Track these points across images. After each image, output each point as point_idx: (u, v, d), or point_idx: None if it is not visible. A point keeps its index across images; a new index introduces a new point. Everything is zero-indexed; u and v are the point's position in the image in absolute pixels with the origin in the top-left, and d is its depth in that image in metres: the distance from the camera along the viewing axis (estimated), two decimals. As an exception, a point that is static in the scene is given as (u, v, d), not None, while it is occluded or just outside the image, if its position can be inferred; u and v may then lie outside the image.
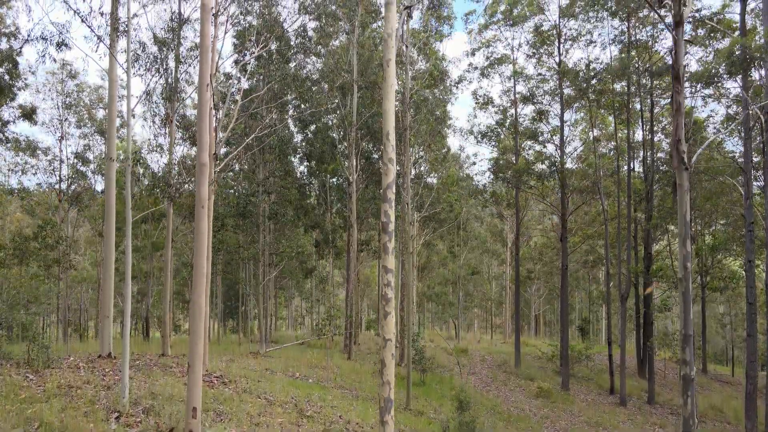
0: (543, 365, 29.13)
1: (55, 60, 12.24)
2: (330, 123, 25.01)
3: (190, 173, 17.05)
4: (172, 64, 14.89)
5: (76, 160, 29.46)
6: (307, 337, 32.12)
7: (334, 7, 20.60)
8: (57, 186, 24.69)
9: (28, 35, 12.74)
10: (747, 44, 12.87)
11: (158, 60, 11.57)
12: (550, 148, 24.52)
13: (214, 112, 15.61)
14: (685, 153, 6.90)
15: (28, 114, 19.92)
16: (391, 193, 5.74)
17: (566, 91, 24.49)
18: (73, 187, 28.30)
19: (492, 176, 26.99)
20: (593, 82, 20.12)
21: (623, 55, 22.35)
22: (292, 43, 16.64)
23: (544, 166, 22.76)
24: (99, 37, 9.46)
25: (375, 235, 30.76)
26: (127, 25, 9.67)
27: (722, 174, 19.75)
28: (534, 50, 24.40)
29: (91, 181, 31.76)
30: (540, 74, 25.97)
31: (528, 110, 26.26)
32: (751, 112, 14.69)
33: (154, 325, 52.02)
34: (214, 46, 10.71)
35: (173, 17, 13.20)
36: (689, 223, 7.07)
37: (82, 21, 9.15)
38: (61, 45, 12.97)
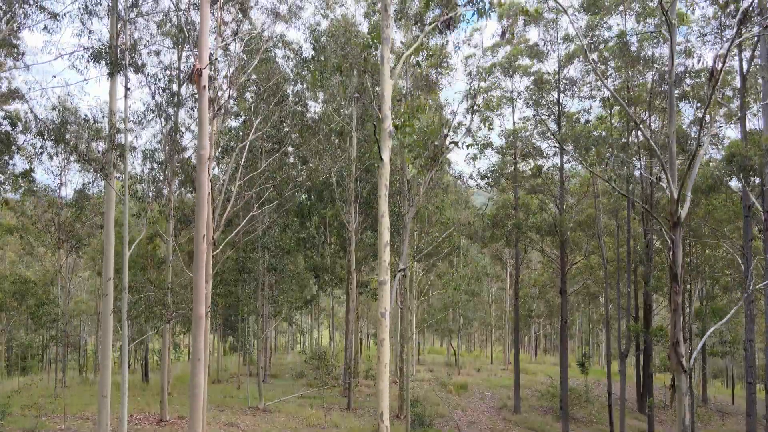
0: (543, 405, 29.12)
1: (51, 157, 12.15)
2: (329, 169, 24.94)
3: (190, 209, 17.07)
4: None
5: (76, 197, 29.32)
6: (308, 379, 32.15)
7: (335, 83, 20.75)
8: (56, 235, 24.64)
9: (24, 136, 12.64)
10: (747, 153, 12.93)
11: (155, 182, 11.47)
12: (549, 198, 24.46)
13: (211, 189, 15.58)
14: (683, 356, 6.83)
15: (25, 174, 19.97)
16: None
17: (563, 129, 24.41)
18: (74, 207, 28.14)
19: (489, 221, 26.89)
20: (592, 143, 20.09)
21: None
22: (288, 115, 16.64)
23: (543, 225, 22.75)
24: (96, 170, 9.41)
25: (375, 278, 30.71)
26: (123, 154, 9.61)
27: (723, 238, 19.71)
28: (534, 101, 24.33)
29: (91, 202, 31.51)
30: (537, 116, 25.87)
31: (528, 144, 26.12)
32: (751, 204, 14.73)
33: (154, 341, 51.85)
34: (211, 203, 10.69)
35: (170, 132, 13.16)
36: (689, 427, 7.03)
37: (80, 159, 9.09)
38: (59, 141, 12.76)
